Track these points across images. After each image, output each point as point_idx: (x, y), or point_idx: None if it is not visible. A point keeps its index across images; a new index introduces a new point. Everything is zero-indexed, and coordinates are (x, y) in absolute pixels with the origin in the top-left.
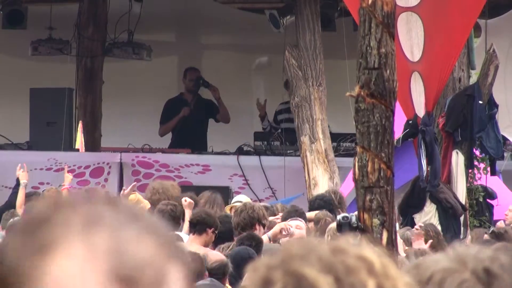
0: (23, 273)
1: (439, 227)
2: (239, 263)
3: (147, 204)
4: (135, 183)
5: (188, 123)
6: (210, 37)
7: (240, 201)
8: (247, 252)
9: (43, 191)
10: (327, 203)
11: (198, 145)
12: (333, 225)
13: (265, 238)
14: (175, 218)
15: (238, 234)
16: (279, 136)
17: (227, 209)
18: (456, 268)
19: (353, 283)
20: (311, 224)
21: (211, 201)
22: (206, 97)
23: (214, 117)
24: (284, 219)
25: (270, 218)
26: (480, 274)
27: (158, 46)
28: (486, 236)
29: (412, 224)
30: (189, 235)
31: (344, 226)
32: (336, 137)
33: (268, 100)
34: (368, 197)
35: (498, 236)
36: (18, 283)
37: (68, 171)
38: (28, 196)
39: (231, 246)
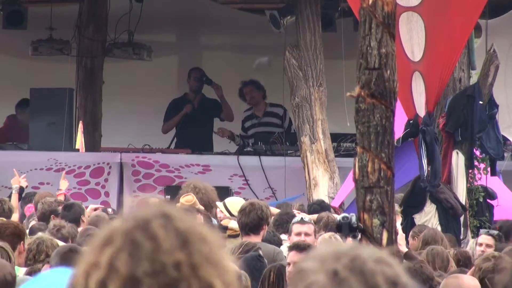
0: None
1: (439, 228)
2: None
3: (201, 206)
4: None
5: (193, 123)
6: (210, 37)
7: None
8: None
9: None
10: (324, 208)
11: (203, 145)
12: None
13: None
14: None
15: (245, 235)
16: (279, 136)
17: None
18: (313, 268)
19: None
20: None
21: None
22: (210, 96)
23: (219, 116)
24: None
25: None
26: (330, 276)
27: (158, 46)
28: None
29: (412, 224)
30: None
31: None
32: (336, 137)
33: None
34: (368, 197)
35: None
36: None
37: (68, 172)
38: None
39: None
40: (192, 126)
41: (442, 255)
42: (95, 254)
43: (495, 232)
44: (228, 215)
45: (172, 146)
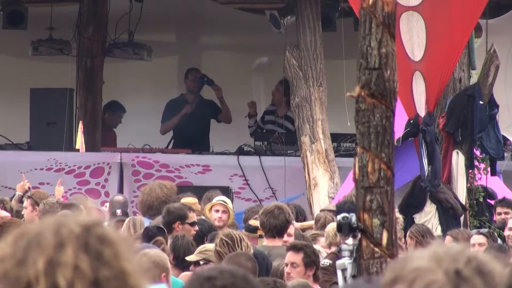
0: None
1: (439, 228)
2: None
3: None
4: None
5: (190, 123)
6: (210, 37)
7: (223, 201)
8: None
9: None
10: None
11: (199, 145)
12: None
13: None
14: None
15: (270, 239)
16: (279, 136)
17: (206, 208)
18: (430, 267)
19: None
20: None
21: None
22: (208, 97)
23: (215, 118)
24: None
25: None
26: (451, 276)
27: (158, 46)
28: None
29: (412, 224)
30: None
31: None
32: (336, 137)
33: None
34: (368, 198)
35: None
36: None
37: (68, 171)
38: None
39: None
40: (189, 127)
41: None
42: (48, 251)
43: (486, 230)
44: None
45: (170, 146)
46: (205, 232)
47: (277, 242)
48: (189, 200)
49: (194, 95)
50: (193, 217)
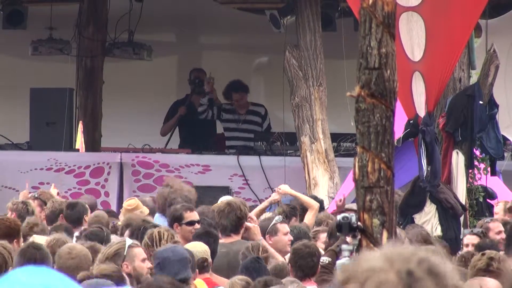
0: None
1: (439, 228)
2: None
3: (145, 210)
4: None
5: (195, 124)
6: (210, 37)
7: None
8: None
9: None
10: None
11: (206, 146)
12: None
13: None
14: None
15: (226, 236)
16: (279, 136)
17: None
18: (382, 267)
19: None
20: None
21: None
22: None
23: (219, 118)
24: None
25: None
26: (403, 276)
27: (158, 46)
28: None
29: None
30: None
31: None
32: (336, 137)
33: (268, 100)
34: (368, 197)
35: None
36: None
37: (68, 171)
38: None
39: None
40: (194, 127)
41: None
42: None
43: (479, 230)
44: None
45: (169, 146)
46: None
47: (234, 238)
48: (131, 202)
49: (197, 96)
50: (189, 216)
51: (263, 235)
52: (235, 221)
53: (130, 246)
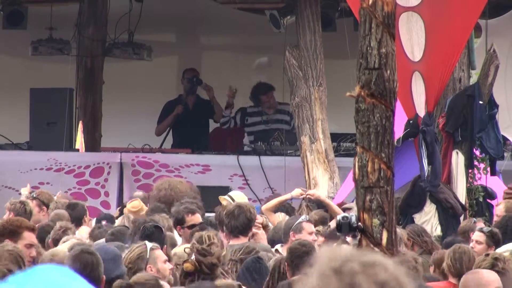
0: None
1: (439, 228)
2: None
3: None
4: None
5: (188, 124)
6: (210, 37)
7: (229, 195)
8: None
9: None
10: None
11: (199, 146)
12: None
13: None
14: None
15: (233, 238)
16: (279, 136)
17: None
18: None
19: None
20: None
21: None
22: (206, 97)
23: (212, 118)
24: None
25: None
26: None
27: (158, 46)
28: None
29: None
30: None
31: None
32: (336, 137)
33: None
34: (368, 197)
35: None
36: None
37: (68, 171)
38: None
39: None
40: (187, 127)
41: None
42: None
43: (488, 229)
44: None
45: (165, 146)
46: None
47: (242, 240)
48: (134, 204)
49: (190, 96)
50: (191, 220)
51: (288, 231)
52: (245, 223)
53: (151, 249)
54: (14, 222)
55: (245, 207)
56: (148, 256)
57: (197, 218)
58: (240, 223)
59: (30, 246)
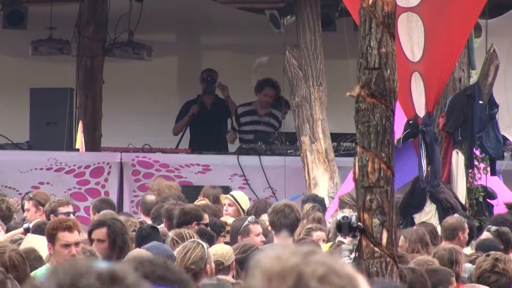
0: None
1: (439, 228)
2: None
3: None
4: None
5: (205, 124)
6: (210, 37)
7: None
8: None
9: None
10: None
11: (217, 145)
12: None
13: None
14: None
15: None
16: (279, 136)
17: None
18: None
19: None
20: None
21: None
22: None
23: (230, 117)
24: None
25: None
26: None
27: (158, 46)
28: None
29: (412, 224)
30: None
31: (344, 226)
32: (336, 137)
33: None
34: (368, 197)
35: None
36: None
37: (68, 171)
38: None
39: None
40: (205, 127)
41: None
42: None
43: (495, 228)
44: (239, 207)
45: (181, 146)
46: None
47: (287, 241)
48: (203, 202)
49: (208, 95)
50: (207, 218)
51: (236, 235)
52: (294, 222)
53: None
54: None
55: (294, 207)
56: (207, 256)
57: (207, 217)
58: (290, 222)
59: None
